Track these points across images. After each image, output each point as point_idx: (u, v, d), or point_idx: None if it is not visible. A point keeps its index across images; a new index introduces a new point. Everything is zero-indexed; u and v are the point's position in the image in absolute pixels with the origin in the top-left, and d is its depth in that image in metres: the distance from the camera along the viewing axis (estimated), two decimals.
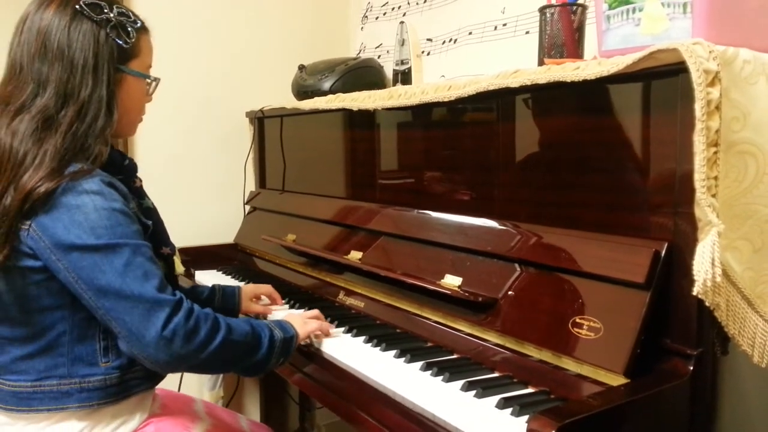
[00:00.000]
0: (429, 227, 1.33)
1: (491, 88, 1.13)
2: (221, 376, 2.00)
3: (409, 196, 1.48)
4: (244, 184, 2.17)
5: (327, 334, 1.25)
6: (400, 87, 1.50)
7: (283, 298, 1.54)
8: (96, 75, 1.03)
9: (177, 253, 1.23)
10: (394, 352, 1.15)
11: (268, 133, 2.14)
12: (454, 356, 1.13)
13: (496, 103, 1.23)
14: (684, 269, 0.87)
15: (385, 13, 2.24)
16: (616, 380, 0.89)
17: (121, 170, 1.10)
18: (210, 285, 1.45)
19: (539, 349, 1.01)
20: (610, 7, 1.04)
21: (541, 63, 1.25)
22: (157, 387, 1.16)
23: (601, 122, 1.04)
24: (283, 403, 2.20)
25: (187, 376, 2.00)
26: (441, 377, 1.03)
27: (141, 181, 1.18)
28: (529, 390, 0.98)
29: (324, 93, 1.84)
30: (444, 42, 1.95)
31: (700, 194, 0.81)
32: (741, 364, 0.94)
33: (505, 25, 1.74)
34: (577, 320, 0.96)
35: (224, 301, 1.42)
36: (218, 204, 2.15)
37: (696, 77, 0.80)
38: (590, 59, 1.07)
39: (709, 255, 0.80)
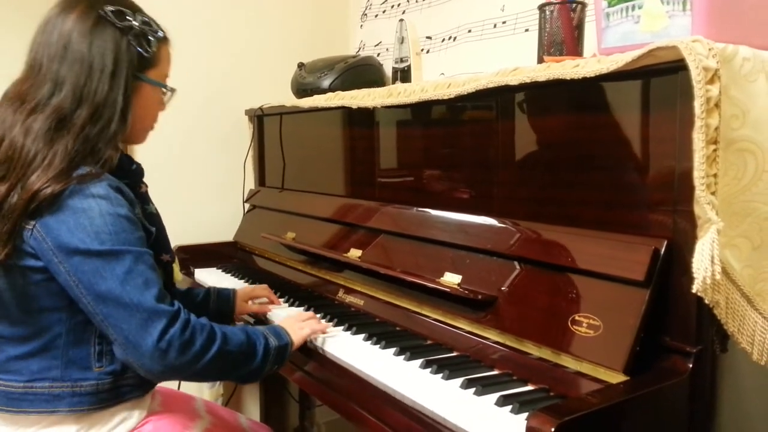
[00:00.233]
0: (428, 225, 1.33)
1: (491, 85, 1.13)
2: None
3: (408, 194, 1.48)
4: (244, 182, 2.17)
5: (323, 333, 1.25)
6: (399, 85, 1.50)
7: (282, 296, 1.54)
8: (114, 80, 1.03)
9: (176, 260, 1.23)
10: (393, 349, 1.15)
11: (268, 131, 2.14)
12: (454, 354, 1.13)
13: (496, 100, 1.23)
14: (683, 267, 0.87)
15: (384, 11, 2.24)
16: (616, 378, 0.89)
17: (128, 174, 1.10)
18: (205, 288, 1.45)
19: (539, 347, 1.01)
20: (610, 5, 1.04)
21: (540, 61, 1.25)
22: (157, 385, 1.16)
23: (601, 120, 1.04)
24: (282, 401, 2.20)
25: None
26: (440, 375, 1.03)
27: (147, 186, 1.18)
28: (529, 387, 0.98)
29: (323, 91, 1.84)
30: (443, 40, 1.95)
31: (700, 192, 0.81)
32: (740, 361, 0.94)
33: (504, 22, 1.74)
34: (577, 318, 0.96)
35: (219, 303, 1.42)
36: (218, 202, 2.15)
37: (695, 75, 0.80)
38: (590, 57, 1.06)
39: (708, 252, 0.80)
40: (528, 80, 1.06)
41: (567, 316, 0.97)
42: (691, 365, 0.87)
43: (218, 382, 2.01)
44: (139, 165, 1.16)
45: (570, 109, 1.09)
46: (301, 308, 1.45)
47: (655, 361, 0.90)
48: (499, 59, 1.70)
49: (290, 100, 1.93)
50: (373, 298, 1.39)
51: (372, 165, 1.62)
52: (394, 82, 1.83)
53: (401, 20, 1.80)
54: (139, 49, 1.06)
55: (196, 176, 2.09)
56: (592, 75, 0.95)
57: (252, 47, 2.20)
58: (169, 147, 2.01)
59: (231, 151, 2.15)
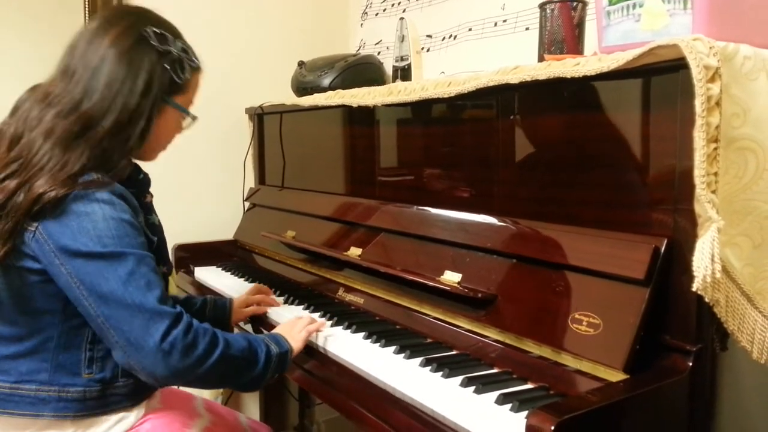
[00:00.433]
0: (429, 224, 1.33)
1: (491, 84, 1.13)
2: None
3: (408, 193, 1.48)
4: (244, 180, 2.17)
5: (319, 331, 1.25)
6: (399, 83, 1.50)
7: (282, 295, 1.54)
8: (142, 99, 1.04)
9: (173, 273, 1.23)
10: (393, 348, 1.15)
11: (268, 129, 2.14)
12: (454, 352, 1.13)
13: (496, 99, 1.23)
14: (683, 265, 0.87)
15: (384, 10, 2.24)
16: (616, 376, 0.89)
17: (135, 184, 1.10)
18: (202, 297, 1.45)
19: (539, 345, 1.01)
20: (611, 3, 1.04)
21: (541, 59, 1.25)
22: None
23: (602, 118, 1.04)
24: (282, 399, 2.20)
25: None
26: (440, 373, 1.03)
27: (152, 196, 1.18)
28: (529, 386, 0.98)
29: (323, 89, 1.84)
30: (444, 38, 1.95)
31: (700, 190, 0.81)
32: (740, 360, 0.94)
33: (505, 21, 1.74)
34: (577, 316, 0.96)
35: (216, 312, 1.41)
36: (218, 200, 2.15)
37: (696, 73, 0.80)
38: (590, 55, 1.06)
39: (708, 251, 0.80)
40: (529, 79, 1.05)
41: (567, 314, 0.97)
42: (691, 364, 0.87)
43: None
44: (146, 175, 1.17)
45: (571, 108, 1.09)
46: (301, 307, 1.45)
47: (655, 360, 0.90)
48: (500, 58, 1.70)
49: (290, 98, 1.93)
50: (373, 297, 1.39)
51: (372, 163, 1.62)
52: (394, 81, 1.83)
53: (402, 19, 1.80)
54: (173, 74, 1.08)
55: (196, 174, 2.09)
56: (593, 73, 0.95)
57: (252, 46, 2.20)
58: (169, 145, 2.01)
59: (231, 149, 2.15)
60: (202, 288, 1.75)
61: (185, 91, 1.12)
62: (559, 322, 0.98)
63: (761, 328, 0.89)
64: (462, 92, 1.19)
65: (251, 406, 2.24)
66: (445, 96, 1.23)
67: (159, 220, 1.19)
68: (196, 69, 1.14)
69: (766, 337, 0.90)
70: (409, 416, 0.96)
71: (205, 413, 1.25)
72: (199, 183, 2.10)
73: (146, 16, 1.10)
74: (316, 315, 1.36)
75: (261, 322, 1.44)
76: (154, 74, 1.05)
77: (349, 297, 1.45)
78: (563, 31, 1.22)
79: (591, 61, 0.97)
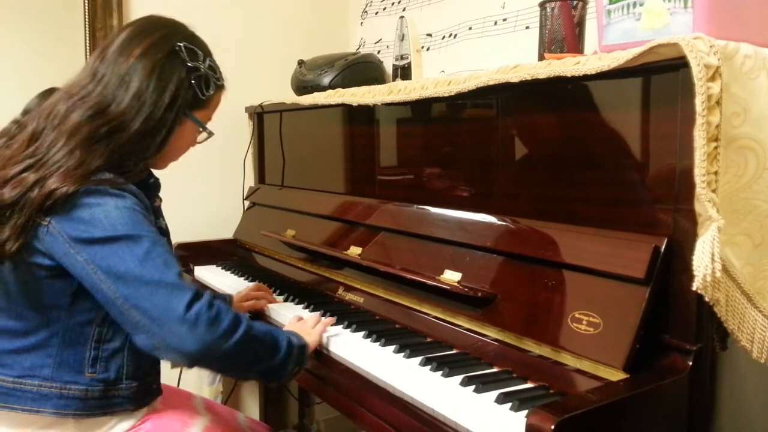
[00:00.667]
0: (428, 223, 1.33)
1: (491, 83, 1.13)
2: None
3: (408, 192, 1.48)
4: (244, 179, 2.16)
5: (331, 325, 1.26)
6: (399, 82, 1.50)
7: (282, 294, 1.54)
8: (167, 112, 1.06)
9: None
10: (393, 347, 1.15)
11: (268, 128, 2.14)
12: (453, 351, 1.13)
13: (496, 98, 1.23)
14: (684, 264, 0.87)
15: (384, 8, 2.24)
16: (616, 375, 0.89)
17: (145, 187, 1.10)
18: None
19: (538, 345, 1.01)
20: (611, 2, 1.04)
21: (541, 58, 1.24)
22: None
23: (602, 117, 1.04)
24: (282, 398, 2.20)
25: (186, 372, 2.01)
26: (440, 372, 1.03)
27: (161, 201, 1.19)
28: (529, 385, 0.98)
29: (323, 88, 1.84)
30: (444, 37, 1.95)
31: (700, 189, 0.81)
32: (740, 359, 0.94)
33: (505, 20, 1.74)
34: (577, 315, 0.96)
35: None
36: (217, 199, 2.15)
37: (696, 72, 0.80)
38: (590, 54, 1.06)
39: (708, 250, 0.80)
40: (529, 77, 1.05)
41: (567, 313, 0.97)
42: (690, 363, 0.87)
43: (218, 379, 2.01)
44: (157, 180, 1.18)
45: (571, 107, 1.09)
46: (300, 306, 1.45)
47: (655, 359, 0.90)
48: (500, 56, 1.70)
49: (290, 97, 1.93)
50: (373, 296, 1.39)
51: (372, 162, 1.62)
52: (394, 80, 1.83)
53: (402, 17, 1.80)
54: (197, 89, 1.10)
55: (196, 173, 2.09)
56: (593, 72, 0.95)
57: (252, 44, 2.20)
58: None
59: (231, 148, 2.15)
60: (201, 287, 1.75)
61: (206, 107, 1.15)
62: (558, 322, 0.98)
63: (761, 328, 0.89)
64: (462, 91, 1.19)
65: (251, 405, 2.24)
66: (445, 95, 1.23)
67: (166, 224, 1.20)
68: (220, 87, 1.16)
69: (766, 337, 0.90)
70: (408, 415, 0.96)
71: (204, 413, 1.25)
72: (198, 182, 2.10)
73: (179, 30, 1.12)
74: (316, 314, 1.35)
75: (261, 318, 1.44)
76: (181, 88, 1.07)
77: (349, 296, 1.45)
78: (563, 30, 1.22)
79: (591, 60, 0.97)
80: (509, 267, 1.11)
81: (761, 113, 0.87)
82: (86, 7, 1.90)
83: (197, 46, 1.11)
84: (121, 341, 1.06)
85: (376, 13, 2.28)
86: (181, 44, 1.08)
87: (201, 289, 1.00)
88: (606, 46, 1.06)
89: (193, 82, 1.09)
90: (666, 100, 0.91)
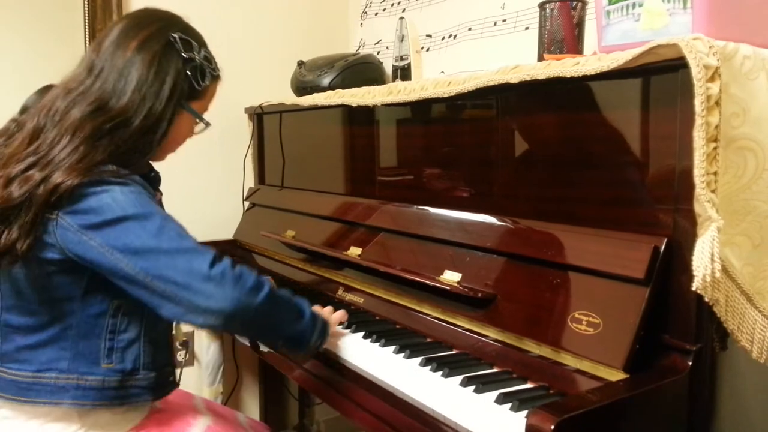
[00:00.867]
0: (428, 223, 1.33)
1: (491, 83, 1.13)
2: (221, 371, 2.00)
3: (408, 192, 1.48)
4: (243, 180, 2.16)
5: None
6: (399, 83, 1.50)
7: None
8: (167, 104, 1.06)
9: None
10: (393, 347, 1.15)
11: (267, 129, 2.14)
12: (453, 352, 1.13)
13: (496, 98, 1.23)
14: (683, 265, 0.87)
15: (384, 9, 2.24)
16: (615, 375, 0.89)
17: (147, 180, 1.11)
18: None
19: (538, 345, 1.01)
20: (610, 3, 1.04)
21: (540, 59, 1.25)
22: None
23: (601, 118, 1.04)
24: (282, 399, 2.20)
25: (186, 372, 2.01)
26: (440, 372, 1.03)
27: (161, 194, 1.19)
28: (529, 385, 0.98)
29: (323, 89, 1.84)
30: (443, 38, 1.95)
31: (700, 190, 0.81)
32: (740, 359, 0.94)
33: (504, 20, 1.74)
34: (576, 316, 0.96)
35: None
36: (217, 200, 2.15)
37: (696, 72, 0.80)
38: (590, 55, 1.06)
39: (708, 250, 0.80)
40: (528, 78, 1.05)
41: (567, 313, 0.97)
42: (690, 363, 0.87)
43: (218, 380, 2.01)
44: (157, 173, 1.19)
45: (570, 107, 1.09)
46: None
47: (655, 359, 0.90)
48: (500, 57, 1.70)
49: (290, 98, 1.93)
50: (373, 296, 1.39)
51: (372, 163, 1.62)
52: (394, 81, 1.83)
53: (401, 18, 1.80)
54: (193, 80, 1.09)
55: (196, 174, 2.09)
56: (593, 73, 0.95)
57: (252, 45, 2.20)
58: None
59: (230, 149, 2.15)
60: None
61: (203, 97, 1.14)
62: (558, 322, 0.98)
63: (761, 328, 0.90)
64: (462, 92, 1.19)
65: (251, 405, 2.24)
66: (445, 96, 1.23)
67: None
68: (215, 78, 1.16)
69: (766, 337, 0.90)
70: (409, 415, 0.96)
71: (206, 413, 1.25)
72: (198, 182, 2.10)
73: (174, 22, 1.11)
74: (329, 308, 1.35)
75: None
76: (178, 80, 1.07)
77: (349, 296, 1.45)
78: (563, 31, 1.22)
79: (591, 60, 0.97)
80: (509, 267, 1.12)
81: (760, 114, 0.87)
82: (86, 7, 1.90)
83: (192, 37, 1.11)
84: (136, 332, 1.06)
85: (376, 14, 2.28)
86: (176, 35, 1.08)
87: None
88: (605, 46, 1.06)
89: (189, 73, 1.08)
90: (665, 101, 0.92)
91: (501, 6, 1.75)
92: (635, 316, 0.89)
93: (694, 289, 0.81)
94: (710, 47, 0.81)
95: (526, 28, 1.66)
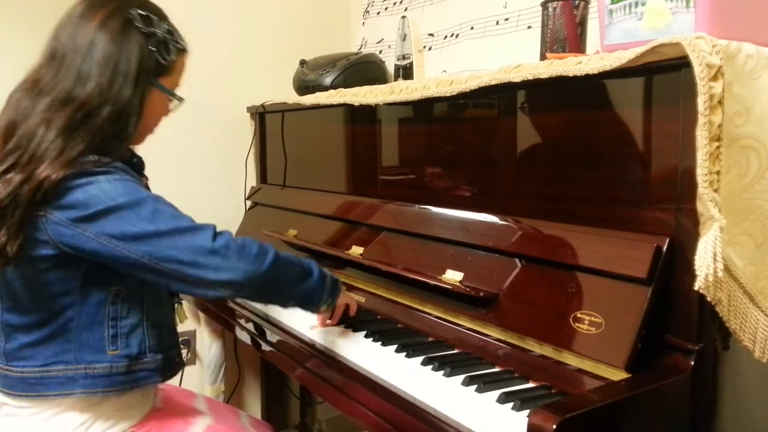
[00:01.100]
0: (430, 222, 1.33)
1: (493, 82, 1.13)
2: (223, 369, 2.00)
3: (410, 192, 1.48)
4: (245, 179, 2.17)
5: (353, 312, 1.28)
6: (401, 82, 1.50)
7: None
8: (135, 84, 1.04)
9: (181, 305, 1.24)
10: (395, 346, 1.15)
11: (270, 128, 2.14)
12: (455, 351, 1.13)
13: (498, 98, 1.23)
14: (686, 264, 0.87)
15: (386, 8, 2.24)
16: (617, 375, 0.89)
17: (130, 167, 1.09)
18: None
19: (540, 344, 1.01)
20: (613, 2, 1.04)
21: (543, 58, 1.24)
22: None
23: (603, 117, 1.04)
24: (283, 398, 2.20)
25: (188, 371, 2.01)
26: (442, 372, 1.03)
27: (147, 179, 1.19)
28: (530, 385, 0.98)
29: (325, 88, 1.84)
30: (446, 37, 1.95)
31: (702, 189, 0.81)
32: (742, 359, 0.94)
33: (507, 19, 1.74)
34: (579, 315, 0.96)
35: None
36: (219, 199, 2.15)
37: (699, 71, 0.80)
38: (592, 54, 1.06)
39: (710, 250, 0.80)
40: (531, 77, 1.05)
41: (569, 313, 0.97)
42: (692, 363, 0.87)
43: (220, 379, 2.01)
44: (140, 158, 1.18)
45: (573, 107, 1.09)
46: None
47: (657, 359, 0.90)
48: (502, 56, 1.70)
49: (292, 97, 1.93)
50: (375, 296, 1.39)
51: (374, 162, 1.62)
52: (396, 80, 1.83)
53: (403, 17, 1.80)
54: (158, 56, 1.07)
55: (198, 173, 2.09)
56: (595, 72, 0.95)
57: (254, 44, 2.20)
58: (170, 144, 2.01)
59: (233, 148, 2.15)
60: None
61: (171, 72, 1.11)
62: (560, 321, 0.98)
63: (763, 327, 0.89)
64: (464, 91, 1.19)
65: (253, 404, 2.24)
66: (447, 95, 1.23)
67: None
68: (181, 51, 1.12)
69: None
70: (410, 415, 0.96)
71: (207, 411, 1.25)
72: (200, 181, 2.10)
73: None
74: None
75: (262, 318, 1.44)
76: (143, 57, 1.05)
77: (351, 295, 1.45)
78: (565, 30, 1.22)
79: (593, 59, 0.97)
80: (511, 267, 1.11)
81: (763, 113, 0.87)
82: None
83: (152, 12, 1.08)
84: (138, 317, 1.07)
85: (378, 13, 2.28)
86: (134, 12, 1.05)
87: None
88: (608, 45, 1.05)
89: (153, 48, 1.06)
90: (668, 100, 0.91)
91: (503, 5, 1.74)
92: (637, 315, 0.89)
93: (696, 288, 0.81)
94: (713, 46, 0.81)
95: (529, 27, 1.65)
